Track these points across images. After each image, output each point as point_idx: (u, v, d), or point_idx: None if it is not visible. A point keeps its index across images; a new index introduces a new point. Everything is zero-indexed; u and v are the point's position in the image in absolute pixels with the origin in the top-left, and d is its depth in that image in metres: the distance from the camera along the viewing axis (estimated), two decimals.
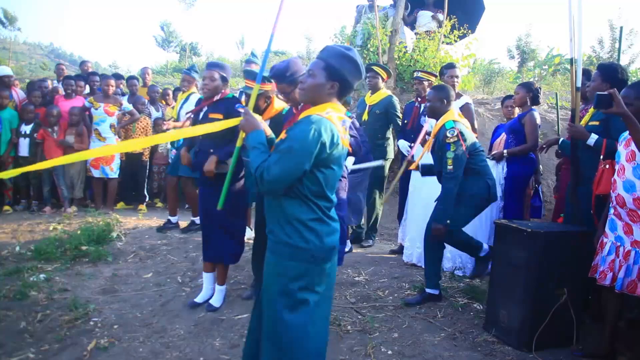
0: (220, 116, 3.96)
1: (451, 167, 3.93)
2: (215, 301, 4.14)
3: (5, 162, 6.94)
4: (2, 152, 6.88)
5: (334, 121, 2.25)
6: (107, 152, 3.78)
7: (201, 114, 4.20)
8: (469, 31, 9.48)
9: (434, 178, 4.84)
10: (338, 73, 2.31)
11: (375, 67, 6.03)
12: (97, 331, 3.70)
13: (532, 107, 5.02)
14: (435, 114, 4.19)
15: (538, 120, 4.97)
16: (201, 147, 4.14)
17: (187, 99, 6.22)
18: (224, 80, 4.15)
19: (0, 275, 4.65)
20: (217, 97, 4.13)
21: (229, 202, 3.52)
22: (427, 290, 4.18)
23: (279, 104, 4.18)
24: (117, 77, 8.48)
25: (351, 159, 4.45)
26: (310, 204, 2.29)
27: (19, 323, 3.82)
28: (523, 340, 3.35)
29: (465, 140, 3.98)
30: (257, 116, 2.54)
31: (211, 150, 3.98)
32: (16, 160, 7.05)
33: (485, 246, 4.26)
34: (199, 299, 4.21)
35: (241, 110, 3.73)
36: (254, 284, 4.32)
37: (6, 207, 7.02)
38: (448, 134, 3.96)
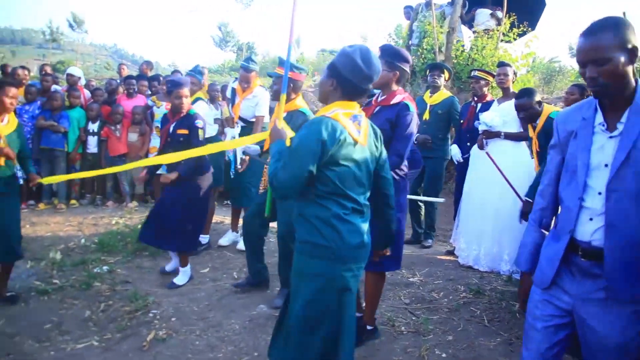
0: (185, 131, 4.53)
1: None
2: (179, 280, 4.61)
3: (73, 158, 7.29)
4: (71, 149, 7.23)
5: (339, 118, 2.26)
6: (169, 159, 4.07)
7: (171, 128, 4.62)
8: (529, 29, 9.21)
9: (490, 179, 4.74)
10: (335, 69, 2.35)
11: (441, 66, 5.99)
12: (155, 323, 3.83)
13: None
14: (535, 117, 4.12)
15: None
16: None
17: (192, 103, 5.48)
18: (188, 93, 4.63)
19: (68, 266, 4.89)
20: (183, 113, 4.60)
21: (189, 196, 4.51)
22: None
23: (300, 102, 4.28)
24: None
25: None
26: (329, 202, 2.29)
27: (84, 312, 4.01)
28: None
29: None
30: (285, 127, 2.57)
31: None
32: (84, 157, 7.39)
33: None
34: (168, 267, 4.88)
35: (200, 125, 4.52)
36: (280, 288, 4.37)
37: (73, 201, 7.36)
38: None
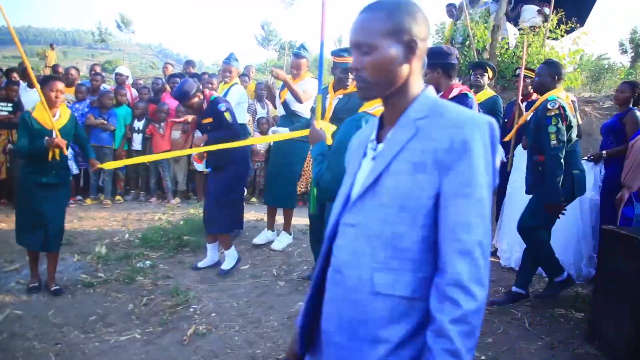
0: (210, 120, 4.68)
1: (555, 141, 3.68)
2: (226, 265, 4.82)
3: (119, 155, 7.51)
4: (117, 147, 7.45)
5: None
6: (188, 151, 4.40)
7: (198, 121, 4.85)
8: (577, 25, 8.93)
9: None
10: None
11: (485, 65, 5.90)
12: (196, 318, 3.90)
13: (633, 107, 4.86)
14: (542, 89, 4.00)
15: None
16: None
17: (227, 91, 6.01)
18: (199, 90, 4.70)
19: (113, 260, 5.03)
20: (205, 106, 4.73)
21: (223, 181, 4.71)
22: (514, 288, 4.08)
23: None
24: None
25: None
26: None
27: (127, 305, 4.11)
28: (630, 358, 3.12)
29: (566, 118, 3.74)
30: (324, 124, 2.53)
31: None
32: (129, 154, 7.60)
33: (565, 274, 4.00)
34: (201, 264, 4.95)
35: (223, 108, 4.60)
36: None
37: (118, 197, 7.58)
38: (549, 106, 3.74)
